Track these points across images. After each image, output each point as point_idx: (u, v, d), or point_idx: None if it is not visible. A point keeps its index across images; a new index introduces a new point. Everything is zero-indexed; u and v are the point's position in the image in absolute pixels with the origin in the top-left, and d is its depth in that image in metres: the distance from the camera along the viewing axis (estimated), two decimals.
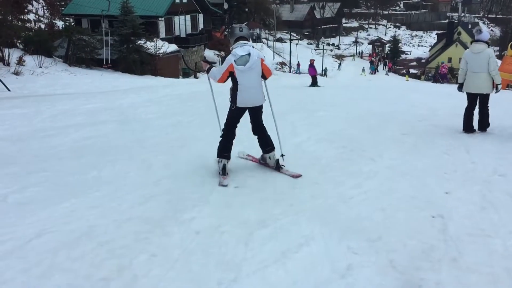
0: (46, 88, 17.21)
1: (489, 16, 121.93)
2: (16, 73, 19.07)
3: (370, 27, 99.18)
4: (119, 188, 4.97)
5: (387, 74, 57.80)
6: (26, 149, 6.94)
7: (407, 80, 47.67)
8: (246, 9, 56.71)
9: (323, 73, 52.44)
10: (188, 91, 18.44)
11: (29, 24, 32.40)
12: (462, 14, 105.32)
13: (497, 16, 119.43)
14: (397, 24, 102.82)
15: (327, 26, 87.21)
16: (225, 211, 4.34)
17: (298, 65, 49.22)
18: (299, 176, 5.40)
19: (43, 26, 31.57)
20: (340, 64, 61.69)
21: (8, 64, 19.99)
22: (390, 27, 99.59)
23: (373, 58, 65.49)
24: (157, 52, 27.99)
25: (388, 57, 69.30)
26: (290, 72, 49.03)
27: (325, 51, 63.29)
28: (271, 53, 53.90)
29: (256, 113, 5.46)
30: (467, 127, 7.90)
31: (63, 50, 25.79)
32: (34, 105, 12.06)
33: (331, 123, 9.18)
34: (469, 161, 6.11)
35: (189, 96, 16.36)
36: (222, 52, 40.57)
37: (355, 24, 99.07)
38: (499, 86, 7.57)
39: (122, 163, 6.01)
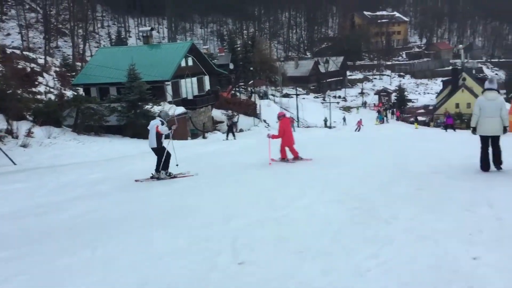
0: (53, 159, 17.16)
1: (492, 60, 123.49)
2: (24, 146, 19.12)
3: (375, 78, 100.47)
4: (112, 271, 4.55)
5: (387, 122, 57.53)
6: (21, 229, 6.61)
7: (417, 128, 47.44)
8: (251, 68, 57.77)
9: (324, 123, 52.19)
10: (195, 153, 18.26)
11: (39, 95, 33.06)
12: (465, 60, 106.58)
13: (500, 60, 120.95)
14: (401, 73, 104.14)
15: (332, 79, 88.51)
16: None
17: (292, 121, 45.51)
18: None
19: (53, 97, 32.16)
20: (344, 119, 57.01)
21: (17, 137, 20.08)
22: (394, 77, 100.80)
23: (380, 108, 65.75)
24: None
25: (395, 106, 69.56)
26: (298, 126, 49.03)
27: (331, 103, 63.67)
28: (277, 109, 54.26)
29: (155, 151, 10.77)
30: (484, 166, 8.56)
31: (72, 120, 26.05)
32: (37, 178, 11.88)
33: (340, 180, 8.77)
34: (494, 218, 5.61)
35: (196, 158, 16.14)
36: (230, 111, 40.90)
37: (359, 75, 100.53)
38: (507, 128, 8.36)
39: (117, 240, 5.62)
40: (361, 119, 46.49)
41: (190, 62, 36.78)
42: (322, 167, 10.77)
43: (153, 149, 10.67)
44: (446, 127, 33.94)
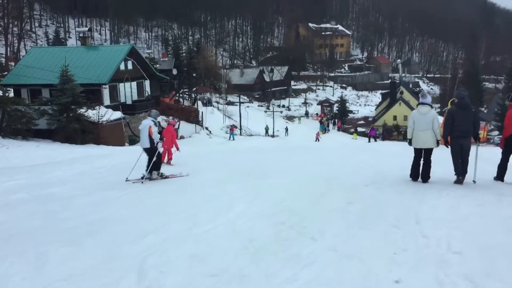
0: None
1: (428, 76, 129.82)
2: None
3: (318, 89, 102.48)
4: None
5: (328, 131, 58.88)
6: None
7: (355, 138, 48.62)
8: (194, 74, 56.98)
9: (265, 131, 51.95)
10: (127, 160, 17.37)
11: None
12: (403, 74, 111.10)
13: (435, 75, 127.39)
14: (344, 85, 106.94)
15: (277, 88, 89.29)
16: None
17: (232, 129, 42.37)
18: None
19: None
20: (287, 129, 54.69)
21: None
22: (337, 88, 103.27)
23: (322, 119, 66.84)
24: (100, 120, 26.94)
25: (337, 117, 71.03)
26: (240, 134, 48.77)
27: (275, 112, 64.02)
28: (221, 116, 53.84)
29: (146, 151, 10.81)
30: (414, 175, 9.03)
31: None
32: None
33: (272, 192, 8.43)
34: (420, 235, 5.44)
35: (127, 166, 15.30)
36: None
37: (303, 86, 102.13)
38: (439, 142, 8.70)
39: (13, 260, 4.93)
40: (318, 132, 48.25)
41: (130, 66, 35.58)
42: (255, 177, 10.42)
43: (145, 149, 10.77)
44: (369, 137, 36.54)
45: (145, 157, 11.13)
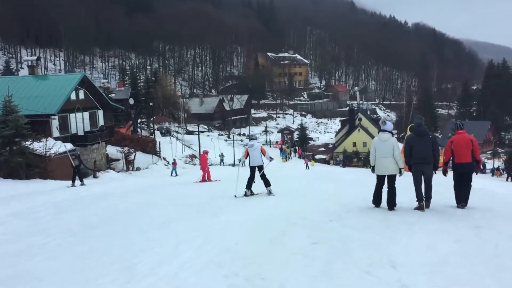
0: None
1: (384, 103, 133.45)
2: None
3: (278, 116, 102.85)
4: None
5: (290, 159, 58.26)
6: None
7: (313, 165, 48.67)
8: (151, 104, 55.61)
9: (221, 160, 49.33)
10: (74, 197, 15.94)
11: None
12: (361, 102, 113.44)
13: (391, 102, 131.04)
14: (303, 112, 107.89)
15: (237, 117, 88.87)
16: None
17: (174, 163, 35.15)
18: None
19: None
20: (240, 160, 50.87)
21: None
22: (297, 116, 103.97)
23: (283, 146, 66.51)
24: (47, 152, 25.23)
25: (297, 144, 70.98)
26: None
27: (235, 141, 63.16)
28: (180, 146, 52.46)
29: (258, 168, 12.29)
30: (376, 202, 9.07)
31: None
32: None
33: (227, 231, 7.42)
34: (398, 283, 4.59)
35: (71, 203, 13.91)
36: (126, 148, 38.35)
37: (264, 114, 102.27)
38: (402, 170, 8.63)
39: None
40: (306, 159, 49.29)
41: (81, 96, 33.98)
42: (210, 213, 9.39)
43: (256, 167, 12.33)
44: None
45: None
